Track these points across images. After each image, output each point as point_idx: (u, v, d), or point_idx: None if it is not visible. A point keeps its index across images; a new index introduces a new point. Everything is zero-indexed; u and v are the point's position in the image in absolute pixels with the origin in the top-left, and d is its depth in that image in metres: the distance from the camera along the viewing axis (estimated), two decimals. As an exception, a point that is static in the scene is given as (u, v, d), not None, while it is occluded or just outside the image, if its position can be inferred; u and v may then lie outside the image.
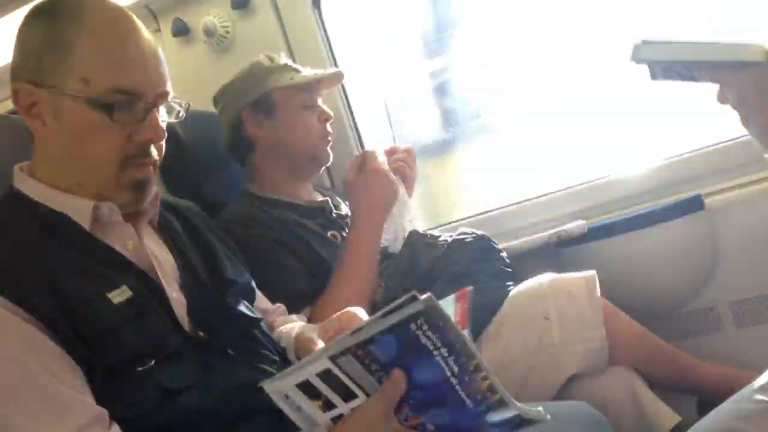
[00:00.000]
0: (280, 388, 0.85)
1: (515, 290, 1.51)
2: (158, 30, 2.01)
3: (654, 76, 0.93)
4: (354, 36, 2.06)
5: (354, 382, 0.81)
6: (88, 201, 0.99)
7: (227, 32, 1.96)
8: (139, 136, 1.00)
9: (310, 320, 1.43)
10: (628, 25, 1.83)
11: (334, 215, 1.68)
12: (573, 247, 1.71)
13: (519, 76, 2.01)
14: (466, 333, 0.93)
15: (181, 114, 1.09)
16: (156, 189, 1.10)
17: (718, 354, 1.57)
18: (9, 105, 1.03)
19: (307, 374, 0.82)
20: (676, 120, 1.82)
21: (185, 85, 1.87)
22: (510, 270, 1.58)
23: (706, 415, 1.01)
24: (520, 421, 0.79)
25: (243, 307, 1.13)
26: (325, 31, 1.97)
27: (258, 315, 1.16)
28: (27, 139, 1.03)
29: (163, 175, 1.61)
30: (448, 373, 0.76)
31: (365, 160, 1.58)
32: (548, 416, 0.80)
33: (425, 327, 0.73)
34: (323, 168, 1.73)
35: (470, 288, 1.15)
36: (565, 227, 1.72)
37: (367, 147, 1.74)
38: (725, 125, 1.61)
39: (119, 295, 0.94)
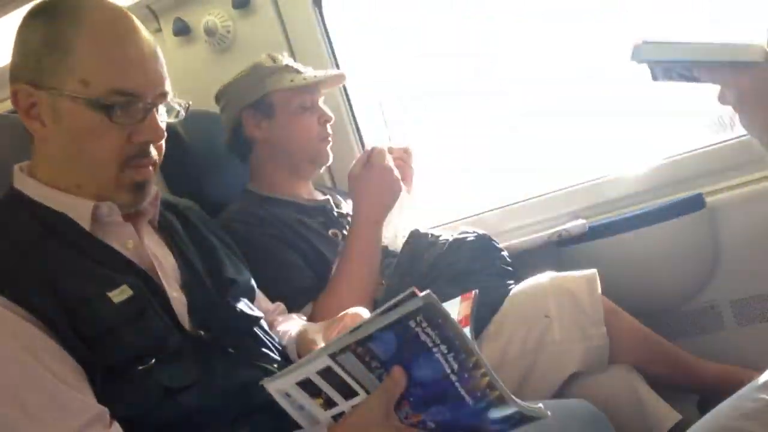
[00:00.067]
0: (281, 386, 0.85)
1: (516, 289, 1.51)
2: (159, 30, 2.01)
3: (655, 77, 0.93)
4: (354, 35, 2.05)
5: (354, 379, 0.81)
6: (88, 201, 0.99)
7: (228, 32, 1.96)
8: (138, 136, 1.00)
9: (312, 316, 1.43)
10: (628, 25, 1.84)
11: (335, 214, 1.69)
12: (573, 246, 1.71)
13: (519, 77, 2.01)
14: (467, 332, 0.93)
15: (180, 114, 1.09)
16: (156, 189, 1.10)
17: (719, 352, 1.57)
18: (9, 105, 1.03)
19: (307, 372, 0.82)
20: (676, 120, 1.83)
21: (186, 84, 1.87)
22: (511, 269, 1.58)
23: (706, 413, 1.01)
24: (520, 417, 0.79)
25: (243, 306, 1.13)
26: (325, 30, 1.97)
27: (258, 314, 1.16)
28: (27, 139, 1.03)
29: (164, 174, 1.62)
30: (448, 370, 0.76)
31: (372, 156, 1.58)
32: (548, 413, 0.80)
33: (424, 324, 0.73)
34: (323, 168, 1.73)
35: (476, 290, 1.16)
36: (565, 226, 1.72)
37: (368, 146, 1.73)
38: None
39: (119, 295, 0.94)
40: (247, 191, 1.68)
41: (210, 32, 1.95)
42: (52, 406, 0.84)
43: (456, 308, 1.13)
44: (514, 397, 0.78)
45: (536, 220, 1.82)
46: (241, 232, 1.44)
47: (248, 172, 1.72)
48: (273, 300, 1.34)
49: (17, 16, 1.02)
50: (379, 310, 0.77)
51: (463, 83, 2.14)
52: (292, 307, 1.40)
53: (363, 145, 1.97)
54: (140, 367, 0.92)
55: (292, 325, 1.25)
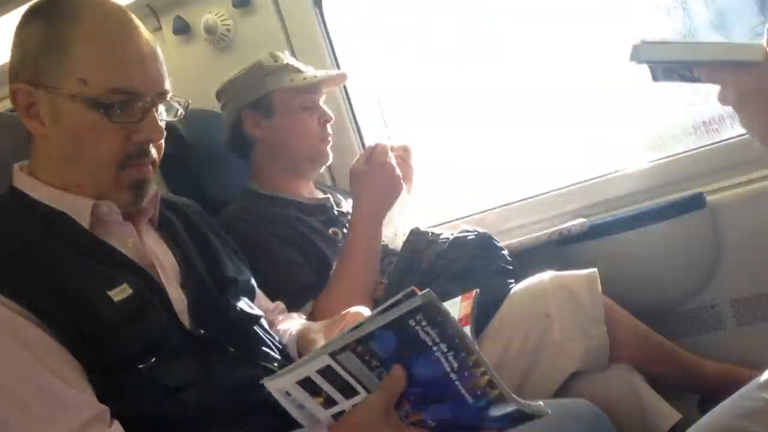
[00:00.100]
0: (281, 385, 0.85)
1: (516, 288, 1.51)
2: (159, 28, 2.01)
3: (655, 77, 0.93)
4: (353, 34, 2.05)
5: (355, 378, 0.81)
6: (87, 200, 0.99)
7: (228, 30, 1.96)
8: (137, 136, 1.00)
9: (312, 313, 1.43)
10: (627, 26, 1.84)
11: (335, 212, 1.68)
12: (574, 245, 1.71)
13: (519, 76, 2.01)
14: (467, 331, 0.93)
15: (180, 113, 1.08)
16: (155, 187, 1.10)
17: (719, 352, 1.57)
18: (9, 103, 1.03)
19: (307, 371, 0.82)
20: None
21: (186, 83, 1.88)
22: (511, 268, 1.58)
23: (706, 412, 1.01)
24: (521, 416, 0.79)
25: (243, 305, 1.13)
26: (326, 29, 1.97)
27: (258, 312, 1.16)
28: (27, 137, 1.03)
29: (165, 173, 1.62)
30: (448, 369, 0.76)
31: (374, 152, 1.58)
32: (548, 411, 0.80)
33: (424, 323, 0.73)
34: (323, 167, 1.73)
35: (477, 290, 1.16)
36: (566, 225, 1.72)
37: (368, 145, 1.73)
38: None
39: (120, 293, 0.94)
40: (247, 190, 1.68)
41: (210, 31, 1.95)
42: (52, 404, 0.84)
43: (456, 307, 1.13)
44: (514, 395, 0.78)
45: (537, 219, 1.82)
46: (242, 230, 1.44)
47: (248, 171, 1.72)
48: (273, 298, 1.34)
49: (17, 14, 1.02)
50: (378, 309, 0.77)
51: (463, 83, 2.14)
52: (293, 305, 1.40)
53: (363, 145, 1.97)
54: (140, 366, 0.92)
55: (292, 324, 1.25)
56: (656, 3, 1.82)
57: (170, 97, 1.05)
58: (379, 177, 1.55)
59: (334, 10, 1.98)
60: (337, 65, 1.97)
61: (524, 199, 1.89)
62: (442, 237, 1.57)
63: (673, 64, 0.89)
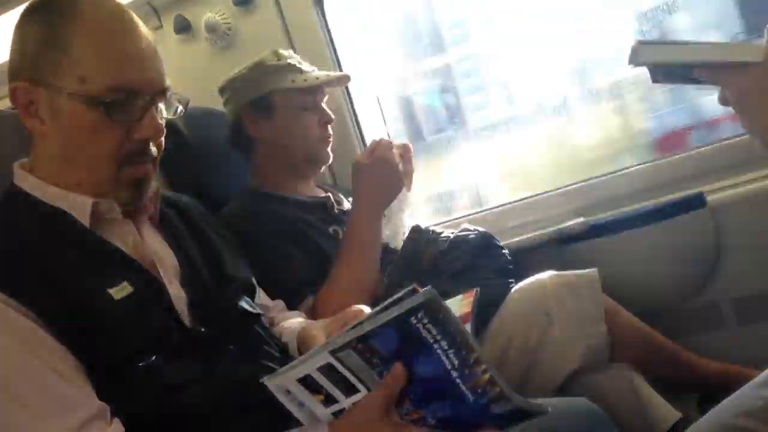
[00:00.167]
0: (282, 382, 0.85)
1: (517, 287, 1.51)
2: (160, 27, 2.01)
3: (655, 79, 0.93)
4: (353, 33, 2.05)
5: (355, 376, 0.81)
6: (87, 198, 0.99)
7: (229, 29, 1.96)
8: (137, 134, 1.00)
9: (313, 307, 1.43)
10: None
11: (336, 211, 1.68)
12: (574, 244, 1.71)
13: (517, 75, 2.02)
14: (467, 329, 0.93)
15: (179, 110, 1.08)
16: (156, 186, 1.10)
17: (720, 351, 1.57)
18: (9, 102, 1.03)
19: (308, 369, 0.82)
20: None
21: (187, 81, 1.87)
22: (511, 267, 1.58)
23: (707, 412, 1.01)
24: (521, 414, 0.79)
25: (244, 303, 1.13)
26: (327, 28, 1.97)
27: (259, 310, 1.16)
28: (27, 136, 1.03)
29: (165, 171, 1.62)
30: (449, 367, 0.76)
31: (377, 147, 1.57)
32: (548, 409, 0.80)
33: (425, 320, 0.73)
34: (324, 167, 1.73)
35: (477, 288, 1.16)
36: (566, 224, 1.72)
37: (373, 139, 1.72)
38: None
39: (120, 291, 0.94)
40: (247, 188, 1.68)
41: (211, 29, 1.95)
42: (52, 403, 0.84)
43: (457, 306, 1.13)
44: (514, 393, 0.77)
45: (537, 218, 1.82)
46: (242, 228, 1.43)
47: (249, 169, 1.72)
48: (273, 294, 1.34)
49: (17, 12, 1.02)
50: (379, 307, 0.77)
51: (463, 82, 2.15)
52: (293, 300, 1.40)
53: (364, 144, 1.97)
54: (141, 364, 0.92)
55: (292, 322, 1.25)
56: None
57: (170, 95, 1.05)
58: (381, 171, 1.54)
59: (336, 8, 1.98)
60: (339, 64, 1.97)
61: (525, 199, 1.89)
62: (442, 236, 1.57)
63: (672, 66, 0.89)
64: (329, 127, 1.67)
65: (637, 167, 1.78)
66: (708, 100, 1.80)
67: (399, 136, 2.17)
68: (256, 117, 1.63)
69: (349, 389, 0.82)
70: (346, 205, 1.73)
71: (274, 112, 1.63)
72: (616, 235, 1.67)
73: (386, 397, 0.80)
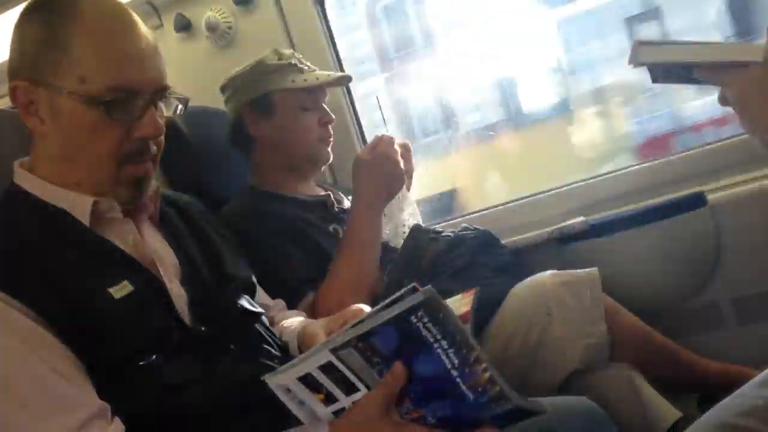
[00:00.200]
0: (282, 381, 0.85)
1: (517, 286, 1.50)
2: (160, 25, 2.02)
3: (654, 79, 0.93)
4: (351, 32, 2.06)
5: (355, 375, 0.81)
6: (87, 197, 0.99)
7: (229, 28, 1.96)
8: (137, 133, 1.00)
9: (313, 304, 1.44)
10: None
11: (336, 210, 1.68)
12: (575, 243, 1.71)
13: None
14: (467, 328, 0.93)
15: (179, 109, 1.08)
16: (156, 185, 1.10)
17: (720, 350, 1.56)
18: (9, 101, 1.03)
19: (309, 367, 0.82)
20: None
21: (187, 80, 1.87)
22: (512, 266, 1.58)
23: (707, 411, 1.01)
24: (521, 413, 0.79)
25: (244, 302, 1.13)
26: (328, 27, 1.97)
27: (259, 310, 1.16)
28: (27, 135, 1.03)
29: (165, 170, 1.61)
30: (449, 366, 0.76)
31: (379, 143, 1.57)
32: (548, 408, 0.81)
33: (425, 319, 0.73)
34: (324, 166, 1.73)
35: (477, 287, 1.16)
36: (566, 224, 1.72)
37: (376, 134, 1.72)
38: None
39: (120, 291, 0.94)
40: (247, 187, 1.68)
41: (211, 28, 1.95)
42: (53, 402, 0.84)
43: (457, 305, 1.13)
44: (514, 392, 0.78)
45: (538, 217, 1.82)
46: (242, 227, 1.43)
47: (249, 168, 1.72)
48: (273, 292, 1.34)
49: (16, 12, 1.01)
50: (380, 305, 0.77)
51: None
52: (293, 297, 1.41)
53: (365, 143, 1.97)
54: (141, 363, 0.92)
55: (293, 321, 1.25)
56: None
57: (170, 93, 1.05)
58: (383, 167, 1.54)
59: (336, 7, 1.98)
60: (339, 63, 1.97)
61: (525, 198, 1.89)
62: (443, 234, 1.57)
63: (672, 66, 0.89)
64: (330, 126, 1.67)
65: (638, 166, 1.78)
66: (690, 106, 1.82)
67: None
68: (257, 116, 1.63)
69: (350, 388, 0.82)
70: (347, 203, 1.73)
71: (275, 112, 1.62)
72: (616, 234, 1.67)
73: (386, 396, 0.80)
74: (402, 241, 1.58)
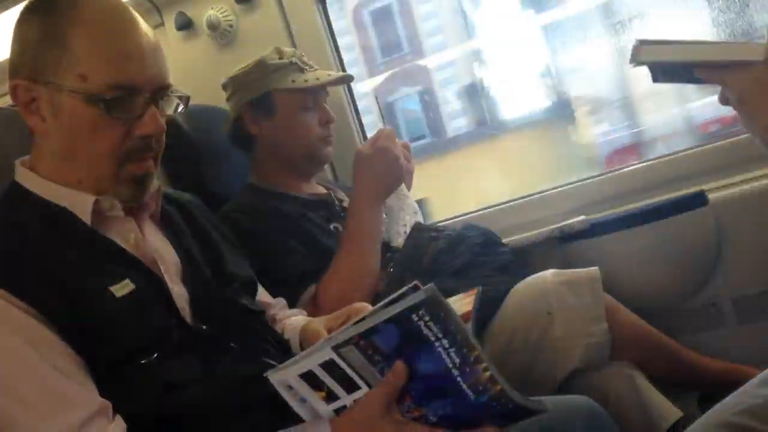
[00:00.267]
0: (284, 377, 0.85)
1: (518, 285, 1.50)
2: (162, 24, 2.01)
3: (655, 78, 0.93)
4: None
5: (357, 373, 0.81)
6: (88, 196, 0.99)
7: (231, 26, 1.96)
8: (138, 131, 0.99)
9: (314, 298, 1.44)
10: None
11: (336, 208, 1.68)
12: (575, 242, 1.71)
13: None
14: (469, 328, 0.93)
15: (180, 107, 1.08)
16: (157, 183, 1.10)
17: (720, 350, 1.57)
18: (9, 99, 1.03)
19: (310, 364, 0.82)
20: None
21: (188, 78, 1.87)
22: (513, 265, 1.58)
23: (707, 410, 1.01)
24: (521, 412, 0.79)
25: (245, 300, 1.13)
26: (329, 25, 1.97)
27: (260, 308, 1.16)
28: (28, 133, 1.03)
29: (166, 168, 1.62)
30: (450, 365, 0.76)
31: (380, 137, 1.57)
32: (549, 407, 0.81)
33: (426, 318, 0.73)
34: (324, 166, 1.73)
35: (479, 287, 1.16)
36: (567, 223, 1.72)
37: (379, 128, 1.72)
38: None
39: (121, 289, 0.94)
40: (247, 185, 1.68)
41: (212, 26, 1.95)
42: (54, 400, 0.84)
43: (458, 304, 1.14)
44: (515, 391, 0.78)
45: (539, 216, 1.82)
46: (243, 225, 1.44)
47: (249, 167, 1.72)
48: (274, 288, 1.33)
49: (17, 10, 1.01)
50: (381, 303, 0.77)
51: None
52: (294, 292, 1.41)
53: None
54: (142, 362, 0.92)
55: (294, 319, 1.25)
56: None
57: (171, 91, 1.04)
58: (383, 161, 1.54)
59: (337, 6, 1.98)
60: (340, 62, 1.97)
61: (526, 197, 1.89)
62: (444, 233, 1.57)
63: (673, 65, 0.89)
64: (330, 126, 1.66)
65: (638, 165, 1.78)
66: (651, 119, 1.83)
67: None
68: (257, 116, 1.63)
69: (351, 386, 0.83)
70: (347, 202, 1.73)
71: (275, 112, 1.62)
72: (617, 233, 1.67)
73: (387, 395, 0.80)
74: (403, 241, 1.58)
